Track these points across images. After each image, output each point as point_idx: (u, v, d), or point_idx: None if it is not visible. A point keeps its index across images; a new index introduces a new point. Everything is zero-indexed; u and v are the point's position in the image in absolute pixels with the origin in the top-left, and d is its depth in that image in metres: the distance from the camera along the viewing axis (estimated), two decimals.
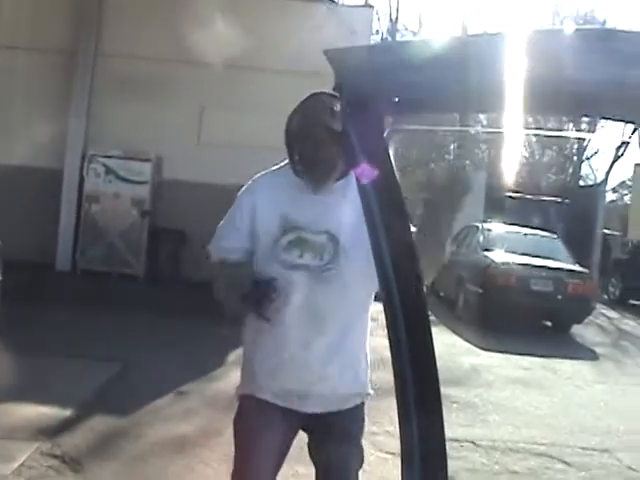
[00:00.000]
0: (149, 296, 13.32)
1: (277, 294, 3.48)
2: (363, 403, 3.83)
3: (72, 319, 11.05)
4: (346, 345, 3.64)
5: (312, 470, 3.91)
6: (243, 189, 3.79)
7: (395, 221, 1.82)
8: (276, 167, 3.77)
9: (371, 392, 3.83)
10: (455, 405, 9.03)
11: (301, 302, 3.55)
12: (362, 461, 3.87)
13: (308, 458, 3.87)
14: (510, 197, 28.94)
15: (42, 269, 14.26)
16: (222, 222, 3.83)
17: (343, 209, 3.56)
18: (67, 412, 7.32)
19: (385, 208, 1.79)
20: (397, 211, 1.85)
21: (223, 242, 3.78)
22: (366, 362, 3.79)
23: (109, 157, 15.68)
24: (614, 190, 45.45)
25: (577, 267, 17.55)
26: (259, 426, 3.70)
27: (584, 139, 48.70)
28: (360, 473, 3.85)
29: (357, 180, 1.86)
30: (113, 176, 15.65)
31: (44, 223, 15.45)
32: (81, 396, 7.85)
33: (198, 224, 15.31)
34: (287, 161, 3.70)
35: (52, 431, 6.79)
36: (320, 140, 3.48)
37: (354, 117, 1.74)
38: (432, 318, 16.51)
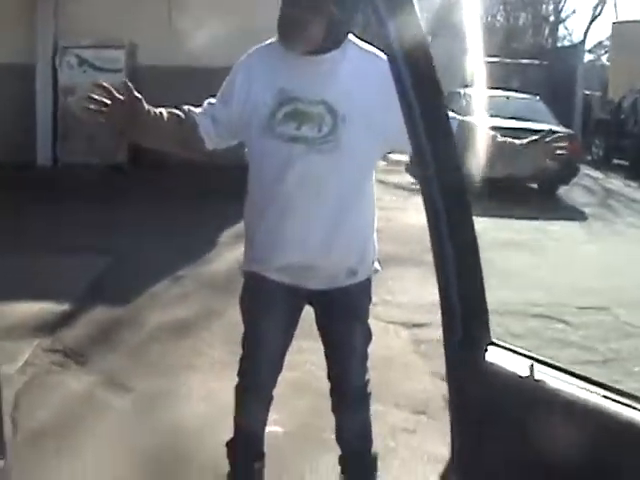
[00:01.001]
0: (135, 185, 13.22)
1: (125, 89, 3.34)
2: (369, 279, 3.78)
3: (59, 214, 10.93)
4: (350, 217, 3.57)
5: (316, 345, 3.91)
6: (236, 63, 3.65)
7: (429, 99, 1.74)
8: (267, 42, 3.65)
9: (378, 268, 3.79)
10: None
11: (301, 174, 3.47)
12: (370, 338, 3.85)
13: (310, 333, 3.86)
14: (488, 62, 28.65)
15: (23, 167, 14.11)
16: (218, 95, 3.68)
17: (340, 79, 3.49)
18: (64, 306, 7.28)
19: (419, 86, 1.70)
20: (432, 89, 1.77)
21: (205, 104, 3.65)
22: (373, 236, 3.74)
23: (81, 47, 15.41)
24: (590, 51, 45.20)
25: (561, 128, 17.46)
26: (265, 305, 3.68)
27: (559, 1, 48.15)
28: (368, 350, 3.85)
29: (390, 60, 1.75)
30: (87, 66, 15.40)
31: (21, 120, 15.24)
32: (76, 289, 7.81)
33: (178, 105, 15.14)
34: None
35: (51, 327, 6.77)
36: (297, 4, 3.36)
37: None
38: (414, 187, 16.51)
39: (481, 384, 1.90)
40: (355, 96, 3.47)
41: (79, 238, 9.69)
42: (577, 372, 1.84)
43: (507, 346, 1.93)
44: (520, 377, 1.83)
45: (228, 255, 9.31)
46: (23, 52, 15.55)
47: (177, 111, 3.54)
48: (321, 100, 3.45)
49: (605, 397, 1.74)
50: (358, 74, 3.50)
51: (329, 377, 3.90)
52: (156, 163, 14.72)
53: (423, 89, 1.78)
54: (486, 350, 1.91)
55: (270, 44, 3.60)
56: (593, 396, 1.75)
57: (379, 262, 3.78)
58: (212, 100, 3.64)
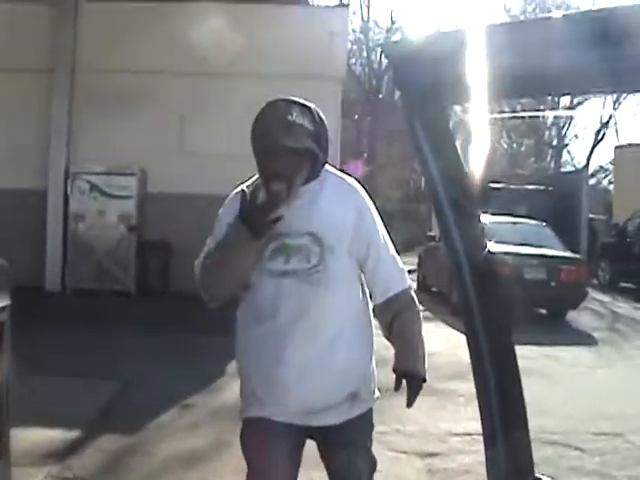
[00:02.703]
0: (141, 311, 13.22)
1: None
2: (371, 409, 3.74)
3: (67, 339, 10.93)
4: (346, 345, 3.55)
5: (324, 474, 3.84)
6: (223, 206, 3.71)
7: (467, 215, 1.74)
8: (252, 179, 3.68)
9: (378, 395, 3.75)
10: (462, 399, 8.98)
11: (294, 307, 3.48)
12: (375, 465, 3.78)
13: (319, 463, 3.80)
14: (493, 188, 28.92)
15: (31, 291, 14.08)
16: (207, 240, 3.69)
17: (321, 208, 3.54)
18: (73, 433, 7.21)
19: (454, 201, 1.70)
20: (468, 204, 1.77)
21: (205, 248, 3.63)
22: (372, 364, 3.70)
23: (93, 174, 15.61)
24: (592, 175, 45.70)
25: (569, 253, 17.54)
26: (267, 446, 3.58)
27: (562, 127, 48.86)
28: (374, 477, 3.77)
29: (425, 177, 1.77)
30: (98, 192, 15.58)
31: (31, 245, 15.36)
32: (86, 416, 7.74)
33: (184, 235, 15.29)
34: None
35: (60, 454, 6.69)
36: (275, 155, 3.39)
37: (417, 108, 1.65)
38: (427, 314, 16.45)
39: None
40: (336, 223, 3.52)
41: (88, 363, 9.67)
42: None
43: None
44: None
45: (237, 383, 9.23)
46: (35, 178, 15.75)
47: None
48: (306, 232, 3.49)
49: None
50: (337, 200, 3.57)
51: None
52: (161, 290, 14.83)
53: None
54: None
55: (251, 185, 3.60)
56: None
57: (379, 390, 3.74)
58: (205, 249, 3.60)
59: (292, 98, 3.49)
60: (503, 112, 21.85)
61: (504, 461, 1.84)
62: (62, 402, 7.97)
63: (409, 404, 3.56)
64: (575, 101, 44.39)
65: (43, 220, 15.72)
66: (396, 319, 3.59)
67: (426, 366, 3.56)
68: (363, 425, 3.71)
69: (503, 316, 1.90)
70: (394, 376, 3.51)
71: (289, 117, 3.38)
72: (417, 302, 3.67)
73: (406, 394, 3.54)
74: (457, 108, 1.90)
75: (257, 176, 3.64)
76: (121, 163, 15.54)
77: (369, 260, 3.61)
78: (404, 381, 3.50)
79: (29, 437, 6.83)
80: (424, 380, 3.56)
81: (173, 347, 10.78)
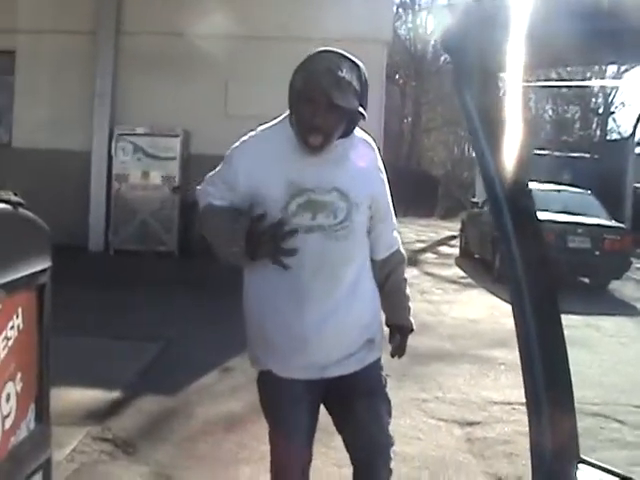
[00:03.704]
0: (184, 272, 13.30)
1: (289, 231, 3.40)
2: (380, 358, 3.79)
3: (110, 300, 11.03)
4: (361, 300, 3.61)
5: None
6: (235, 147, 3.64)
7: (517, 188, 1.71)
8: (272, 123, 3.64)
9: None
10: (503, 367, 8.95)
11: (318, 262, 3.48)
12: (390, 413, 3.81)
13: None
14: (538, 154, 28.71)
15: (75, 251, 14.23)
16: (210, 174, 3.70)
17: (349, 165, 3.54)
18: (114, 394, 7.27)
19: (503, 170, 1.67)
20: (520, 181, 1.74)
21: (210, 188, 3.65)
22: (380, 315, 3.79)
23: (136, 135, 15.64)
24: (638, 143, 45.09)
25: (613, 222, 17.36)
26: (286, 404, 3.62)
27: (609, 94, 48.24)
28: (390, 427, 3.79)
29: (474, 146, 1.74)
30: (141, 153, 15.63)
31: (75, 205, 15.47)
32: (126, 377, 7.80)
33: None
34: (284, 116, 3.59)
35: (101, 414, 6.74)
36: (319, 107, 3.34)
37: (466, 76, 1.62)
38: (469, 281, 16.39)
39: None
40: (362, 180, 3.56)
41: (130, 324, 9.75)
42: None
43: (596, 463, 1.85)
44: None
45: None
46: (80, 139, 15.82)
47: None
48: (333, 188, 3.48)
49: None
50: (362, 159, 3.59)
51: (355, 460, 3.80)
52: (203, 251, 14.87)
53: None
54: (576, 468, 1.84)
55: (275, 130, 3.59)
56: None
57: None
58: (212, 189, 3.62)
59: (343, 52, 3.44)
60: (549, 80, 21.53)
61: (549, 441, 1.81)
62: (104, 363, 8.04)
63: (400, 354, 3.84)
64: (622, 69, 43.75)
65: (87, 181, 15.81)
66: (392, 274, 3.77)
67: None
68: (377, 370, 3.77)
69: (549, 283, 1.87)
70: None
71: (339, 72, 3.31)
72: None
73: (394, 345, 3.81)
74: (504, 75, 1.87)
75: (277, 120, 3.62)
76: (165, 125, 15.57)
77: (380, 218, 3.69)
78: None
79: (71, 397, 6.90)
80: (412, 330, 3.87)
81: (215, 309, 10.81)
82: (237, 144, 3.64)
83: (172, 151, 15.69)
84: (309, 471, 3.75)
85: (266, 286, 3.58)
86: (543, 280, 1.84)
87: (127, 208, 15.51)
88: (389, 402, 3.80)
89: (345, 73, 3.33)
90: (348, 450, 3.82)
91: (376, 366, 3.74)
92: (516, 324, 1.86)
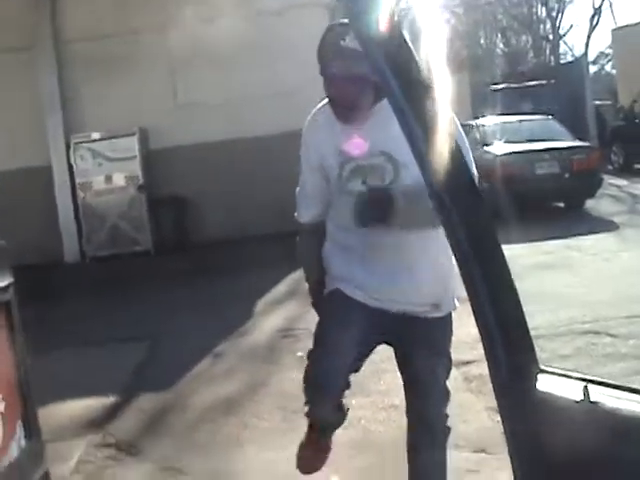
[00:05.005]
0: (161, 268, 13.25)
1: None
2: (451, 315, 3.85)
3: (93, 307, 11.00)
4: (430, 253, 3.67)
5: (367, 400, 3.84)
6: (305, 129, 3.89)
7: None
8: (322, 103, 3.81)
9: (457, 304, 3.83)
10: None
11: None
12: (449, 371, 3.88)
13: (361, 389, 3.81)
14: (495, 90, 28.72)
15: (51, 266, 14.20)
16: (301, 173, 3.93)
17: (392, 126, 3.51)
18: (110, 399, 7.26)
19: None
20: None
21: (301, 205, 3.97)
22: (453, 271, 3.68)
23: (93, 141, 15.54)
24: (594, 62, 45.18)
25: (578, 142, 17.40)
26: (342, 317, 3.68)
27: (556, 18, 48.27)
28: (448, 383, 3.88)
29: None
30: (101, 158, 15.53)
31: (44, 221, 15.36)
32: (120, 380, 7.78)
33: (196, 186, 15.32)
34: None
35: (99, 421, 6.73)
36: (331, 80, 3.55)
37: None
38: None
39: (535, 414, 1.83)
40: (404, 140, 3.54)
41: (117, 328, 9.75)
42: (632, 387, 1.76)
43: (557, 371, 1.85)
44: (575, 402, 1.75)
45: (265, 324, 9.31)
46: (37, 155, 15.69)
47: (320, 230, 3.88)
48: (379, 152, 3.59)
49: None
50: None
51: (408, 412, 3.90)
52: (180, 245, 14.83)
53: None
54: (536, 379, 1.84)
55: (323, 108, 3.76)
56: None
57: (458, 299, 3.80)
58: (308, 183, 3.89)
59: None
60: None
61: (504, 358, 1.81)
62: (95, 370, 8.00)
63: None
64: None
65: (51, 195, 15.70)
66: None
67: None
68: (442, 325, 3.83)
69: (483, 212, 1.86)
70: None
71: (342, 42, 3.44)
72: None
73: None
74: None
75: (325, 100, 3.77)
76: (120, 126, 15.45)
77: None
78: None
79: (66, 410, 6.89)
80: None
81: (197, 299, 10.82)
82: (307, 122, 3.88)
83: (131, 150, 15.55)
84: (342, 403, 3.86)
85: (335, 241, 3.82)
86: (475, 209, 1.83)
87: (96, 215, 15.40)
88: (450, 359, 3.88)
89: (349, 41, 3.40)
90: (406, 397, 3.93)
91: (441, 321, 3.81)
92: (454, 251, 1.85)
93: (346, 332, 3.62)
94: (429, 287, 3.70)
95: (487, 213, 1.85)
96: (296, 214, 4.00)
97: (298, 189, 3.96)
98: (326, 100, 3.72)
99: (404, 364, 3.88)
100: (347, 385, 3.77)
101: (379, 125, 3.54)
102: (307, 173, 3.87)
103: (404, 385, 3.91)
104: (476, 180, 2.87)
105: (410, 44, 1.77)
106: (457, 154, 1.81)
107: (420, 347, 3.77)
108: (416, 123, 1.75)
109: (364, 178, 3.61)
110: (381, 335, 3.80)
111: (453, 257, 3.67)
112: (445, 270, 3.69)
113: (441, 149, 1.76)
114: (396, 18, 1.74)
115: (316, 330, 3.79)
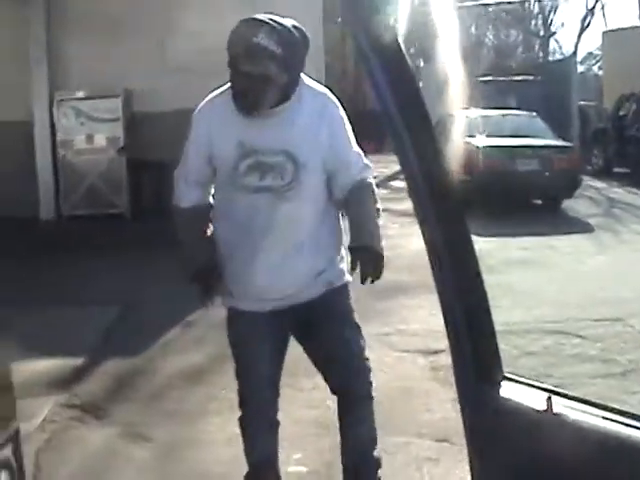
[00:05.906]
0: (137, 233, 13.16)
1: (220, 282, 3.79)
2: (346, 286, 3.89)
3: (65, 266, 10.94)
4: (309, 252, 3.72)
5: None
6: (198, 111, 3.86)
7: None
8: (224, 88, 3.78)
9: (350, 279, 3.87)
10: None
11: (266, 222, 3.62)
12: (362, 337, 3.93)
13: None
14: (482, 81, 28.72)
15: (26, 221, 14.08)
16: (185, 147, 3.93)
17: (298, 126, 3.64)
18: (77, 360, 7.24)
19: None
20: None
21: (181, 183, 3.96)
22: (340, 252, 3.88)
23: (77, 99, 15.40)
24: (582, 62, 45.31)
25: (560, 142, 17.46)
26: (249, 335, 3.80)
27: (548, 15, 48.30)
28: (364, 352, 3.94)
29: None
30: (84, 117, 15.39)
31: (22, 176, 15.23)
32: (88, 342, 7.77)
33: (177, 153, 15.15)
34: None
35: (66, 382, 6.73)
36: (236, 74, 3.54)
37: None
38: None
39: (498, 421, 1.86)
40: (311, 140, 3.65)
41: (88, 289, 9.69)
42: (596, 401, 1.80)
43: (521, 380, 1.89)
44: (537, 411, 1.78)
45: None
46: (20, 109, 15.56)
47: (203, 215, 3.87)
48: (281, 150, 3.60)
49: (627, 425, 1.69)
50: (312, 116, 3.67)
51: (332, 389, 3.97)
52: (157, 210, 14.77)
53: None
54: (500, 385, 1.87)
55: (225, 95, 3.71)
56: (614, 425, 1.70)
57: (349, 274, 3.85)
58: (190, 164, 3.89)
59: (265, 18, 3.50)
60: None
61: (471, 364, 1.85)
62: (64, 330, 7.97)
63: (373, 278, 3.65)
64: None
65: (31, 151, 15.58)
66: (351, 206, 3.75)
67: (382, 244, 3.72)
68: (339, 299, 3.87)
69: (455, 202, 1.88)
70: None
71: (254, 39, 3.44)
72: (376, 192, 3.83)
73: (360, 270, 3.64)
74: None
75: (228, 85, 3.72)
76: (105, 86, 15.33)
77: (339, 170, 3.73)
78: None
79: (35, 368, 6.86)
80: (380, 255, 3.67)
81: (170, 267, 10.76)
82: (197, 109, 3.87)
83: (115, 112, 15.43)
84: (276, 409, 3.89)
85: (226, 236, 3.77)
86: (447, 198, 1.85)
87: (75, 174, 15.28)
88: (357, 327, 3.90)
89: (260, 39, 3.43)
90: (326, 381, 3.96)
91: (337, 295, 3.84)
92: (425, 243, 1.88)
93: (263, 357, 3.77)
94: (310, 270, 3.74)
95: (461, 212, 1.88)
96: (174, 199, 4.00)
97: (177, 171, 3.98)
98: (227, 87, 3.70)
99: (313, 344, 3.93)
100: (277, 392, 3.91)
101: (283, 124, 3.60)
102: (193, 156, 3.86)
103: (319, 365, 3.97)
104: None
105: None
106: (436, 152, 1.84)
107: (323, 322, 3.84)
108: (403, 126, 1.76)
109: (262, 175, 3.61)
110: (286, 330, 3.90)
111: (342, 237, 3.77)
112: (327, 253, 3.80)
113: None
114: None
115: (235, 360, 3.91)
